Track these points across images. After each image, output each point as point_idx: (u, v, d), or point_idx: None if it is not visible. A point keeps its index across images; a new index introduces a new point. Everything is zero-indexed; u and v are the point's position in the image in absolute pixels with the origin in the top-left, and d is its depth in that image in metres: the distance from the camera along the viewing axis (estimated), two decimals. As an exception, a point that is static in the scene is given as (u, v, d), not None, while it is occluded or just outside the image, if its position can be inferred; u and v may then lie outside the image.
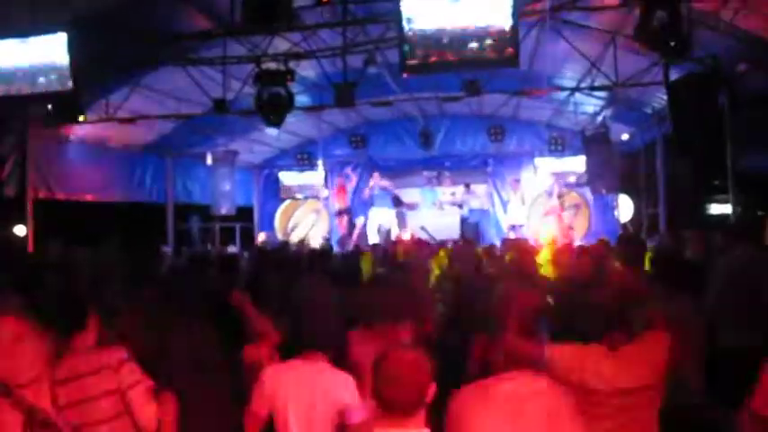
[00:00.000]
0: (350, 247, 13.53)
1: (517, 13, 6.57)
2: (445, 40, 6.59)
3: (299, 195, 17.39)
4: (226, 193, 15.18)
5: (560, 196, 15.64)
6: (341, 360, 3.55)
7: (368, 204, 17.24)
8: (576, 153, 15.06)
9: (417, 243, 11.43)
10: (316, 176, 16.83)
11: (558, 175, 15.72)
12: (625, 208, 15.77)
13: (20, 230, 10.66)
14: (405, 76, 7.21)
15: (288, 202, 17.77)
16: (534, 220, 16.04)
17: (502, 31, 6.49)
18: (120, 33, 7.99)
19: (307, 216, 17.87)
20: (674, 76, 9.12)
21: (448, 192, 16.96)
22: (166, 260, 10.06)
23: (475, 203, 16.76)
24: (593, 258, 6.20)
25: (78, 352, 3.09)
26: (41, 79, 7.35)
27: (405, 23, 6.63)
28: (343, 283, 5.86)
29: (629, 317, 3.47)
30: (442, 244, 11.61)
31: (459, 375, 3.04)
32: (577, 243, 12.22)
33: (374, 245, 12.62)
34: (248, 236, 17.20)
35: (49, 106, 8.78)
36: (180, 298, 4.47)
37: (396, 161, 17.02)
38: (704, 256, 6.24)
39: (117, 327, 3.61)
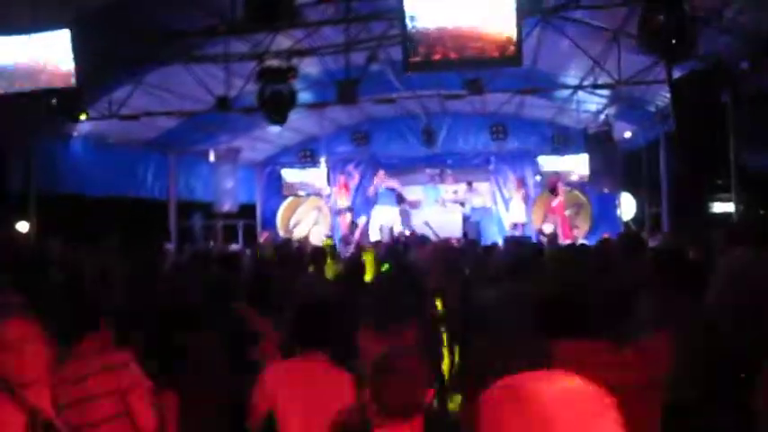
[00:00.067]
0: (352, 245, 13.53)
1: (520, 11, 6.56)
2: (448, 38, 6.60)
3: (301, 192, 17.39)
4: (228, 191, 15.20)
5: (562, 195, 15.62)
6: (349, 358, 3.56)
7: (370, 202, 17.25)
8: (578, 151, 15.03)
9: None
10: (318, 174, 16.83)
11: (561, 174, 15.69)
12: (627, 206, 15.76)
13: (23, 227, 10.69)
14: (407, 73, 7.22)
15: (290, 199, 17.77)
16: (536, 219, 16.05)
17: (504, 30, 6.49)
18: (123, 31, 8.00)
19: (309, 213, 17.88)
20: (677, 74, 9.09)
21: (450, 190, 16.95)
22: (169, 257, 10.08)
23: (477, 201, 16.77)
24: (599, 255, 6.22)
25: (86, 354, 3.10)
26: (44, 76, 7.36)
27: (408, 21, 6.63)
28: (347, 281, 5.89)
29: (631, 314, 3.48)
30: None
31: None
32: (580, 242, 12.23)
33: (376, 242, 12.62)
34: (251, 233, 17.21)
35: (53, 101, 8.79)
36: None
37: (398, 159, 17.02)
38: (704, 256, 6.25)
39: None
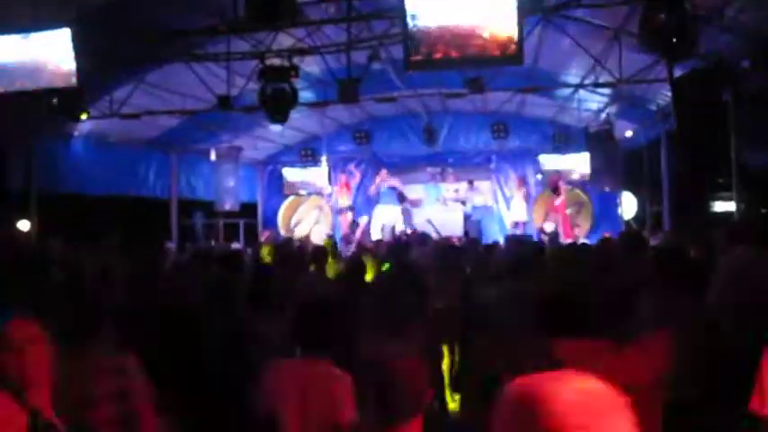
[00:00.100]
0: (353, 244, 13.53)
1: (521, 10, 6.55)
2: (449, 37, 6.59)
3: (302, 192, 17.40)
4: (229, 190, 15.22)
5: (564, 193, 15.61)
6: (350, 359, 3.55)
7: (372, 201, 17.24)
8: (579, 150, 15.02)
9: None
10: (319, 173, 16.83)
11: (562, 173, 15.69)
12: (629, 205, 15.76)
13: (24, 226, 10.70)
14: (409, 72, 7.22)
15: (291, 198, 17.78)
16: (537, 218, 16.05)
17: (505, 28, 6.49)
18: (124, 30, 7.99)
19: (310, 212, 17.88)
20: (678, 72, 9.08)
21: (451, 188, 16.95)
22: (170, 256, 10.08)
23: (478, 200, 16.77)
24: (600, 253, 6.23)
25: (87, 354, 3.10)
26: (45, 75, 7.36)
27: (409, 20, 6.62)
28: (347, 281, 5.88)
29: (633, 313, 3.48)
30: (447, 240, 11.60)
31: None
32: (581, 240, 12.23)
33: (377, 241, 12.62)
34: (252, 232, 17.22)
35: (54, 100, 8.80)
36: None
37: (399, 157, 17.02)
38: (705, 255, 6.24)
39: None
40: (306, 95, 11.34)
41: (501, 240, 12.30)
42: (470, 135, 16.46)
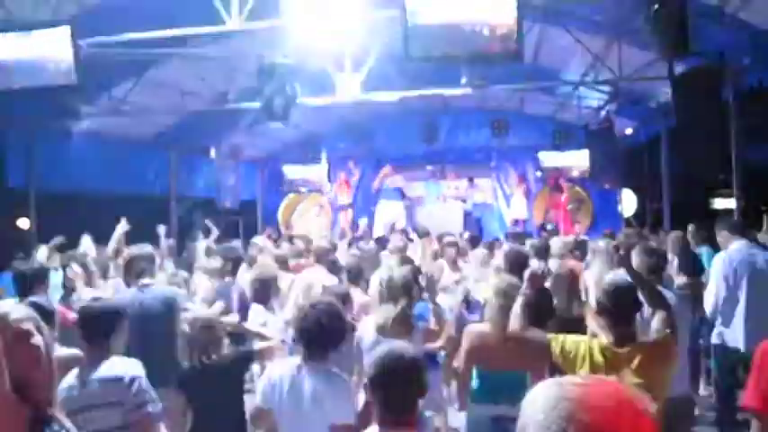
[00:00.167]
0: (347, 238, 13.50)
1: (521, 7, 6.54)
2: (449, 34, 6.58)
3: (302, 189, 17.40)
4: (230, 187, 15.20)
5: (567, 191, 15.61)
6: (350, 358, 3.55)
7: (372, 198, 17.24)
8: (579, 147, 15.02)
9: None
10: (319, 170, 16.83)
11: (562, 170, 15.69)
12: (628, 202, 15.75)
13: (23, 223, 10.69)
14: (409, 69, 7.21)
15: (291, 195, 17.78)
16: (537, 215, 16.04)
17: (506, 25, 6.47)
18: (124, 27, 7.98)
19: (310, 210, 17.87)
20: (678, 69, 9.08)
21: (451, 186, 16.95)
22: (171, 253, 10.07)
23: (478, 197, 16.76)
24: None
25: (94, 359, 3.09)
26: (45, 73, 7.34)
27: (408, 16, 6.61)
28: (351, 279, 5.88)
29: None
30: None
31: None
32: (582, 237, 12.21)
33: (378, 238, 12.61)
34: (252, 230, 17.20)
35: (54, 97, 8.79)
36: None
37: (399, 155, 16.99)
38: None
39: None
40: (306, 93, 11.32)
41: (501, 237, 12.34)
42: (470, 132, 16.44)
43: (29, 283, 4.67)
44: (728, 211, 9.86)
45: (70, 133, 11.69)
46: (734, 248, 5.65)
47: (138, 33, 7.98)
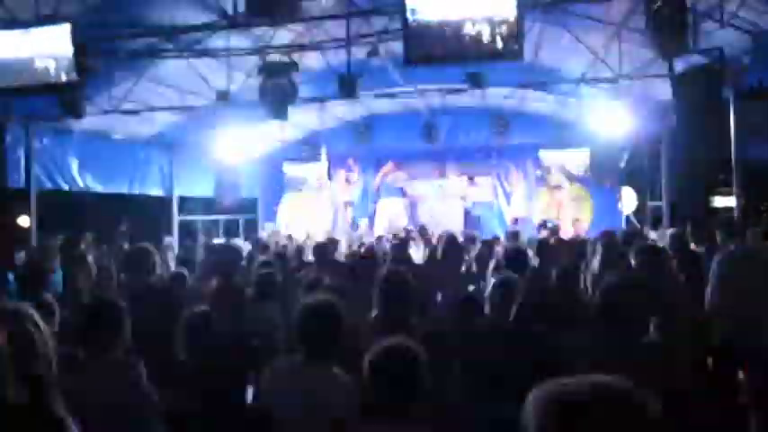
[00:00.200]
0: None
1: (521, 5, 6.54)
2: (449, 32, 6.57)
3: (302, 187, 17.39)
4: (230, 185, 15.18)
5: (567, 189, 15.62)
6: (354, 358, 3.54)
7: (372, 196, 17.24)
8: (579, 146, 15.00)
9: None
10: (319, 168, 16.82)
11: (562, 168, 15.68)
12: (629, 200, 15.73)
13: (24, 222, 10.70)
14: (408, 67, 7.21)
15: (291, 193, 17.77)
16: (537, 213, 16.04)
17: (506, 23, 6.47)
18: (124, 25, 7.99)
19: (309, 208, 17.88)
20: (678, 68, 9.08)
21: (452, 184, 16.95)
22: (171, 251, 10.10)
23: (478, 196, 16.76)
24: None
25: (103, 359, 3.10)
26: (44, 71, 7.34)
27: (408, 15, 6.61)
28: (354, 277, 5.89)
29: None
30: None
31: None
32: (582, 235, 12.22)
33: (378, 237, 12.64)
34: (252, 228, 17.22)
35: (54, 96, 8.79)
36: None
37: (399, 153, 17.00)
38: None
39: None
40: (305, 91, 11.32)
41: (501, 235, 12.34)
42: (470, 130, 16.40)
43: (30, 281, 4.67)
44: (728, 210, 9.86)
45: (70, 131, 11.69)
46: (730, 248, 5.67)
47: (138, 31, 7.98)
